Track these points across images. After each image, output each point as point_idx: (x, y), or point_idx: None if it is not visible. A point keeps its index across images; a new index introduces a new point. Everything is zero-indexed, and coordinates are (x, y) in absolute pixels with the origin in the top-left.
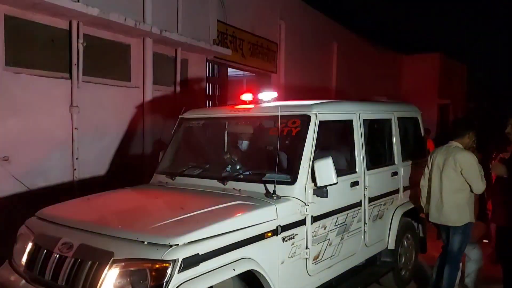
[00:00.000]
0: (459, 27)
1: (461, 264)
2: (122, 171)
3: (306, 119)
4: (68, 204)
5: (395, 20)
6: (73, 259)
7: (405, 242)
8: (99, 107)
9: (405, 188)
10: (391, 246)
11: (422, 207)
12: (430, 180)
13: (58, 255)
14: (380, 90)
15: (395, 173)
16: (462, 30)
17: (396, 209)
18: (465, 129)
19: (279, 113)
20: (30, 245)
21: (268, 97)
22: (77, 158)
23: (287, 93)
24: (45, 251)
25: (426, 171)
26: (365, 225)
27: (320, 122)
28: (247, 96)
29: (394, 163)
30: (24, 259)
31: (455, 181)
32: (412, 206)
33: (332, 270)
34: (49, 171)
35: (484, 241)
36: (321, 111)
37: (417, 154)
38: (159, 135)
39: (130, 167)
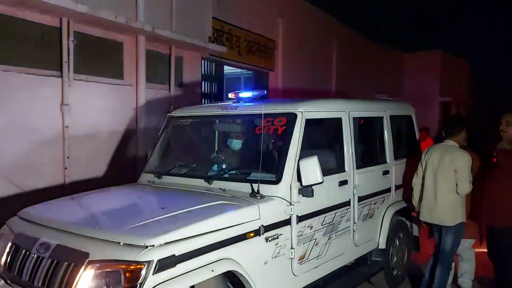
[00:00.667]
0: (462, 24)
1: (453, 264)
2: (114, 170)
3: (292, 117)
4: (50, 204)
5: (397, 18)
6: (49, 260)
7: (397, 241)
8: (91, 105)
9: (397, 187)
10: (382, 245)
11: (414, 206)
12: (423, 178)
13: (35, 256)
14: (382, 88)
15: (386, 172)
16: (465, 27)
17: (387, 208)
18: (460, 127)
19: (263, 111)
20: (9, 245)
21: (250, 95)
22: (68, 157)
23: (285, 92)
24: (23, 251)
25: (420, 169)
26: (354, 224)
27: (307, 120)
28: (234, 94)
29: (385, 162)
30: (3, 259)
31: (451, 181)
32: (404, 205)
33: (319, 270)
34: (39, 170)
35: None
36: (308, 109)
37: (410, 152)
38: (153, 134)
39: (122, 166)
